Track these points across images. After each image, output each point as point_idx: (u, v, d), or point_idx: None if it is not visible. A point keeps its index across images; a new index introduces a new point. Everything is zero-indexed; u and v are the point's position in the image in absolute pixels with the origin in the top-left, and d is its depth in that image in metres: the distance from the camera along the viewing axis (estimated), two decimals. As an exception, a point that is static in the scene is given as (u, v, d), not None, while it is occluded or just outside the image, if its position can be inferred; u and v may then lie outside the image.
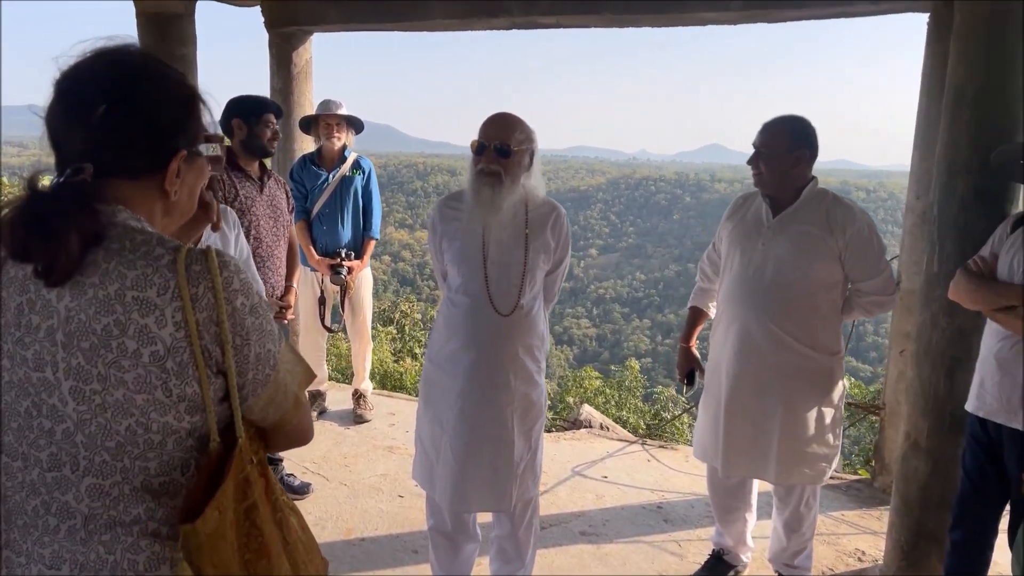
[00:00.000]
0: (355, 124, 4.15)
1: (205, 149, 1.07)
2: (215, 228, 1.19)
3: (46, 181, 0.95)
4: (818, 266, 2.41)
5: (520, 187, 2.28)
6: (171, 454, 0.95)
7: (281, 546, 1.03)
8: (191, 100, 1.02)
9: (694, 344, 2.82)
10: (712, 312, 2.79)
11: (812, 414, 2.47)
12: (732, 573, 2.83)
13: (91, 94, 0.93)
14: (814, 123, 2.47)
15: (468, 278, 2.29)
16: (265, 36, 4.67)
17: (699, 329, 2.85)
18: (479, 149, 2.25)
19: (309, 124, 4.16)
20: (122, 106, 0.94)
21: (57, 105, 0.95)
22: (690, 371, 2.77)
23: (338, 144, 4.06)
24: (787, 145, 2.42)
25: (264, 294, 1.05)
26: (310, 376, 1.11)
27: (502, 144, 2.21)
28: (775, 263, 2.44)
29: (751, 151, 2.51)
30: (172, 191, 1.01)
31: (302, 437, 1.14)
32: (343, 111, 4.05)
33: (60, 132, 0.95)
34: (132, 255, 0.92)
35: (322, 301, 4.10)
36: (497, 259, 2.28)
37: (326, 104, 4.09)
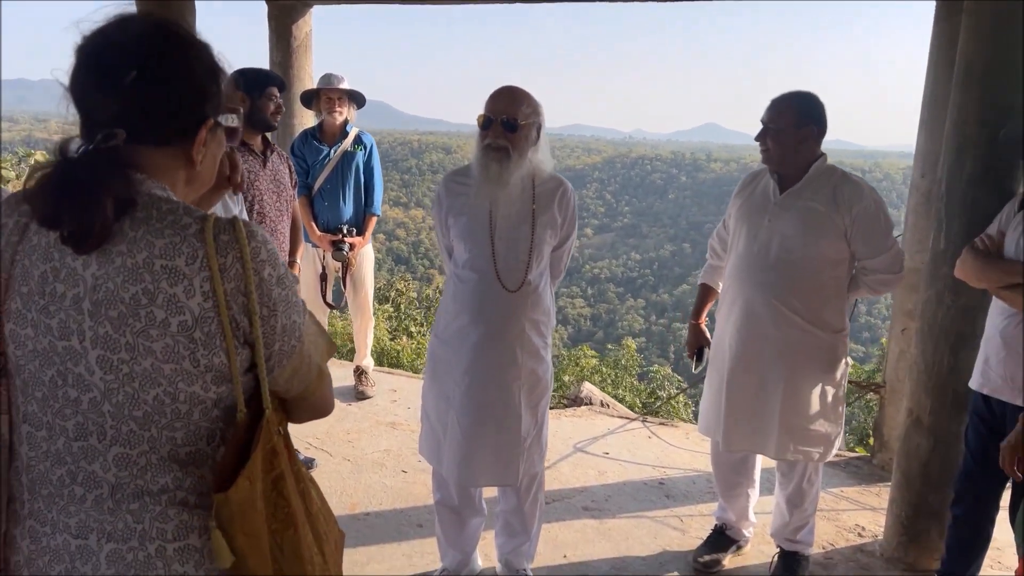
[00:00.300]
0: (357, 99, 4.10)
1: (224, 120, 1.06)
2: (237, 189, 1.17)
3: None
4: (824, 243, 2.41)
5: (527, 161, 2.26)
6: (197, 424, 0.95)
7: (305, 516, 1.04)
8: (217, 69, 1.01)
9: (703, 321, 2.83)
10: (721, 289, 2.79)
11: (814, 391, 2.48)
12: (734, 548, 2.86)
13: (121, 60, 0.91)
14: None
15: (475, 254, 2.28)
16: (264, 8, 4.61)
17: (708, 306, 2.85)
18: (485, 123, 2.22)
19: (310, 98, 4.11)
20: (153, 72, 0.92)
21: (83, 71, 0.93)
22: (699, 348, 2.78)
23: (340, 119, 4.01)
24: (794, 121, 2.41)
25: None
26: (332, 348, 1.11)
27: (509, 118, 2.19)
28: (781, 239, 2.43)
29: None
30: (198, 160, 1.00)
31: (324, 408, 1.14)
32: (345, 85, 4.01)
33: (88, 98, 0.93)
34: (160, 224, 0.91)
35: (323, 277, 4.09)
36: (504, 235, 2.27)
37: (328, 78, 4.04)
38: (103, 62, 0.92)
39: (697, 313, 2.84)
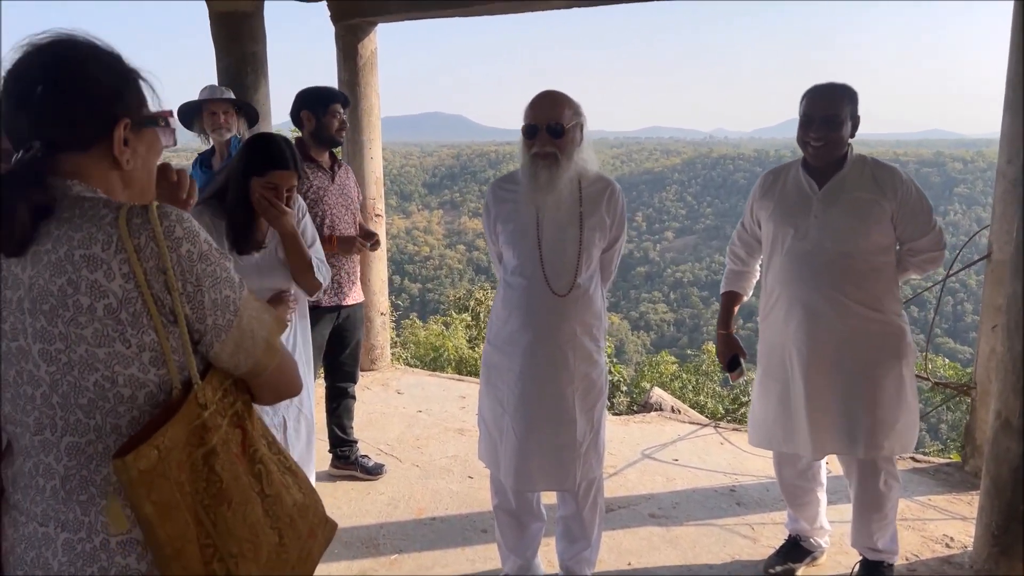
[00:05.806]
0: (247, 111, 3.69)
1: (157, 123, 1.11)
2: (184, 206, 1.21)
3: None
4: (875, 231, 2.37)
5: (574, 164, 2.25)
6: (142, 408, 1.00)
7: (251, 494, 1.07)
8: (127, 74, 1.07)
9: (734, 329, 2.74)
10: (748, 294, 2.74)
11: (892, 379, 2.40)
12: (809, 558, 2.73)
13: (29, 79, 1.00)
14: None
15: (524, 259, 2.28)
16: (332, 30, 4.78)
17: (735, 314, 2.77)
18: (531, 132, 2.21)
19: (191, 117, 3.58)
20: (57, 83, 1.00)
21: (4, 96, 1.02)
22: (732, 357, 2.67)
23: (227, 136, 3.56)
24: (851, 111, 2.38)
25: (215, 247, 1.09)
26: (280, 324, 1.13)
27: (555, 124, 2.18)
28: (834, 233, 2.37)
29: None
30: (123, 159, 1.05)
31: (287, 387, 1.15)
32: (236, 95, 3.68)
33: (8, 119, 1.03)
34: (80, 220, 0.97)
35: None
36: (552, 239, 2.26)
37: (212, 89, 3.63)
38: (16, 85, 1.01)
39: (726, 322, 2.73)
